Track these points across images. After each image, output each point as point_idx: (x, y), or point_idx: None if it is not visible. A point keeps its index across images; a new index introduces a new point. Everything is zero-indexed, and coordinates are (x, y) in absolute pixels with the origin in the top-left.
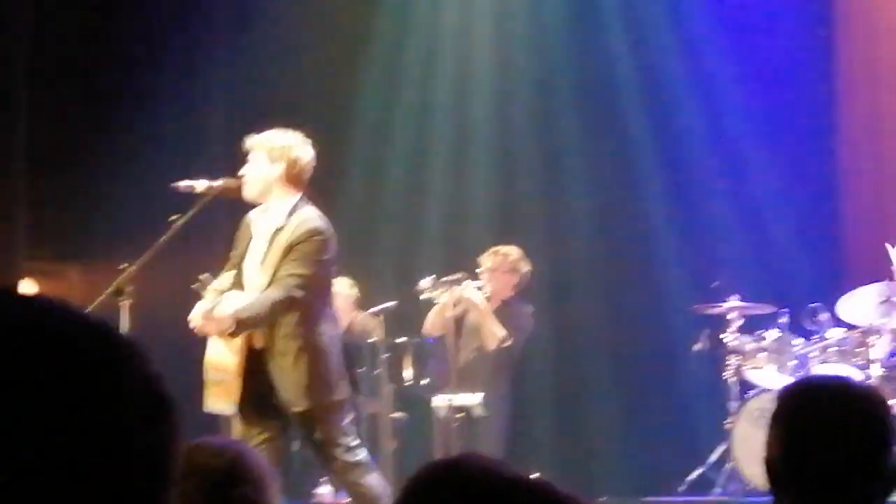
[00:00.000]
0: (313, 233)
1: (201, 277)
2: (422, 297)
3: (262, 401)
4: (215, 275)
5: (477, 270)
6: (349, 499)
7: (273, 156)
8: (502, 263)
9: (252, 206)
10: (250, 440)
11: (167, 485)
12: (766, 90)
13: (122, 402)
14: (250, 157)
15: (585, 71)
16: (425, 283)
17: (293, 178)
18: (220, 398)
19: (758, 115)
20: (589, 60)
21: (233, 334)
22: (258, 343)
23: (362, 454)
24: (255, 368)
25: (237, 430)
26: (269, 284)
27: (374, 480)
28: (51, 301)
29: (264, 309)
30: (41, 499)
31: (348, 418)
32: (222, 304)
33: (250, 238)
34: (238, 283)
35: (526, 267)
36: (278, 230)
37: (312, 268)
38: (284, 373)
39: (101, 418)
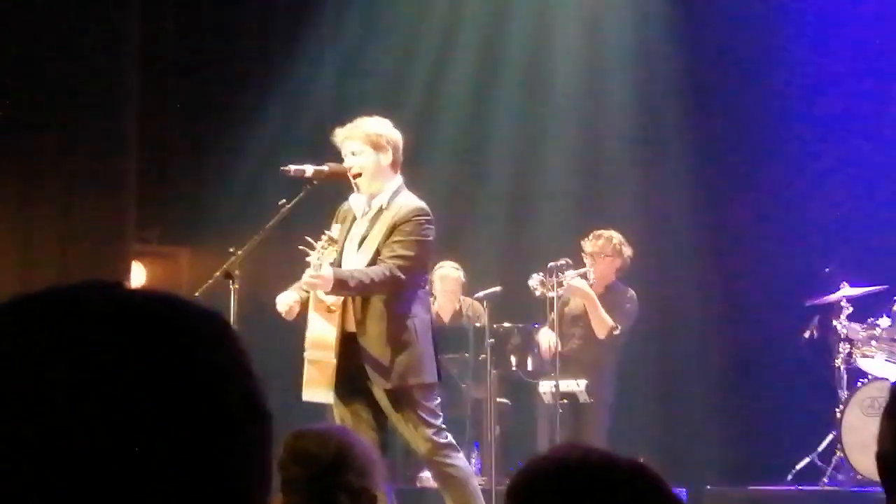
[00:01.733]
0: (417, 212)
1: (308, 240)
2: (536, 294)
3: (355, 384)
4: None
5: (582, 254)
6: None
7: (379, 143)
8: (605, 247)
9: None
10: (347, 423)
11: (257, 489)
12: (886, 79)
13: (221, 402)
14: (350, 148)
15: (689, 52)
16: (533, 281)
17: (396, 162)
18: (318, 383)
19: (872, 100)
20: (693, 40)
21: (330, 293)
22: (351, 327)
23: (450, 437)
24: (348, 353)
25: (336, 414)
26: (371, 262)
27: (462, 462)
28: (164, 292)
29: (366, 279)
30: (128, 492)
31: (437, 401)
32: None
33: (352, 221)
34: (336, 265)
35: (628, 251)
36: (381, 211)
37: (416, 249)
38: (374, 351)
39: (198, 414)
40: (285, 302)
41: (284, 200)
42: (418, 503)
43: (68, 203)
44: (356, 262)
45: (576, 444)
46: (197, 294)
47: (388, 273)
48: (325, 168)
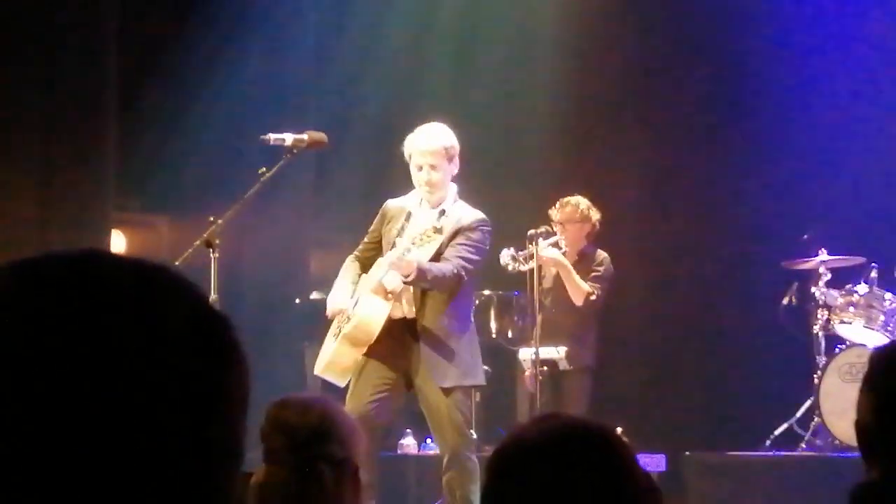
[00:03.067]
0: (482, 222)
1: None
2: (509, 270)
3: (389, 363)
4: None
5: (551, 223)
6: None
7: (452, 157)
8: (573, 214)
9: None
10: (364, 396)
11: (232, 427)
12: (866, 42)
13: (173, 343)
14: (428, 161)
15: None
16: (505, 255)
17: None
18: (342, 366)
19: (854, 64)
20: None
21: (410, 282)
22: (402, 313)
23: (474, 434)
24: (392, 340)
25: (354, 383)
26: (434, 259)
27: (475, 459)
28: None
29: (440, 275)
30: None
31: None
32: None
33: (406, 218)
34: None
35: (596, 215)
36: (442, 214)
37: (479, 255)
38: (436, 347)
39: (154, 359)
40: (339, 306)
41: (264, 169)
42: (399, 469)
43: (48, 172)
44: (417, 256)
45: (552, 414)
46: (177, 262)
47: (455, 272)
48: (304, 137)
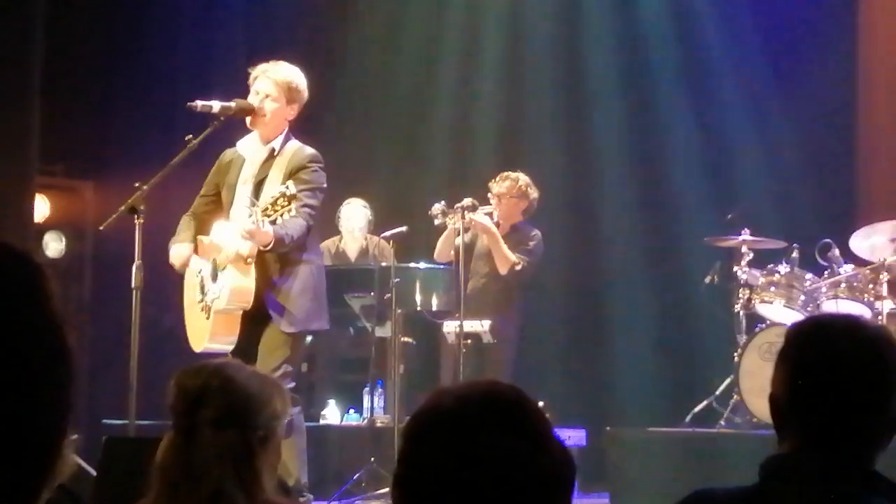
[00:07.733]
0: (313, 158)
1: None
2: (436, 223)
3: (254, 333)
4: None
5: (489, 195)
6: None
7: (293, 97)
8: (511, 188)
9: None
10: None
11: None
12: (785, 24)
13: (22, 346)
14: (265, 88)
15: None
16: (436, 208)
17: (296, 118)
18: (227, 333)
19: (774, 49)
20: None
21: (270, 250)
22: (261, 276)
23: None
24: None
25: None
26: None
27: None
28: None
29: (295, 235)
30: None
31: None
32: (233, 227)
33: (241, 165)
34: (223, 212)
35: (534, 193)
36: (272, 154)
37: (318, 196)
38: (282, 296)
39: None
40: (181, 255)
41: (191, 136)
42: (321, 440)
43: None
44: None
45: (472, 381)
46: (101, 228)
47: (304, 224)
48: (232, 105)
